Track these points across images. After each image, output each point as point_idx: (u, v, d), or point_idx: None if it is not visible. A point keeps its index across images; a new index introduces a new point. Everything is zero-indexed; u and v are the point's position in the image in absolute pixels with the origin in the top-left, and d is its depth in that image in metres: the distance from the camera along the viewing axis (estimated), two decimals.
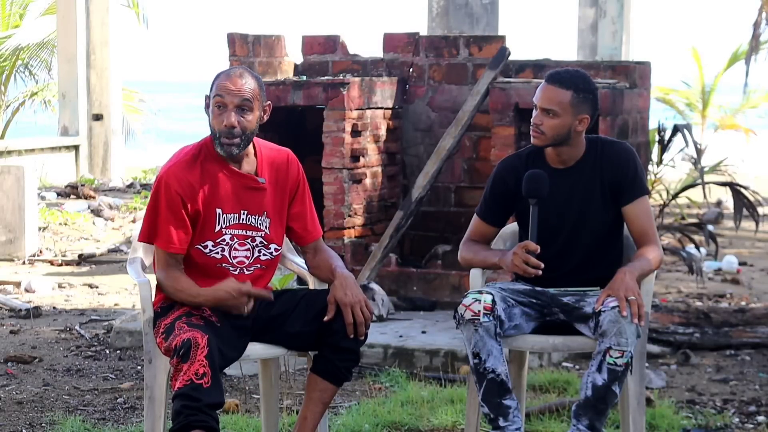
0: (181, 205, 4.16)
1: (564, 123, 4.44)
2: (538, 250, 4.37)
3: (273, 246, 4.31)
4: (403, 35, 8.40)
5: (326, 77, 8.16)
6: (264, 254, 4.30)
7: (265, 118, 4.27)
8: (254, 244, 4.27)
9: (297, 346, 4.34)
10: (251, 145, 4.26)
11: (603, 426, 4.31)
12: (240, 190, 4.23)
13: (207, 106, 4.23)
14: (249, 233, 4.25)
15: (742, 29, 17.80)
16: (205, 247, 4.22)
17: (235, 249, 4.24)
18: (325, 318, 4.21)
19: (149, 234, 4.24)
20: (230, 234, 4.23)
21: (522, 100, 7.50)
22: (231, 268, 4.25)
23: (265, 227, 4.28)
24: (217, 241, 4.23)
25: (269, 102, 4.30)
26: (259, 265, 4.30)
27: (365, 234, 8.02)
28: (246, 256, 4.27)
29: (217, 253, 4.23)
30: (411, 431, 5.36)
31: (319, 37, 8.56)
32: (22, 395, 5.89)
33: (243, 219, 4.24)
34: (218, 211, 4.21)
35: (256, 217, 4.26)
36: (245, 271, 4.27)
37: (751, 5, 14.29)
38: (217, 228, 4.22)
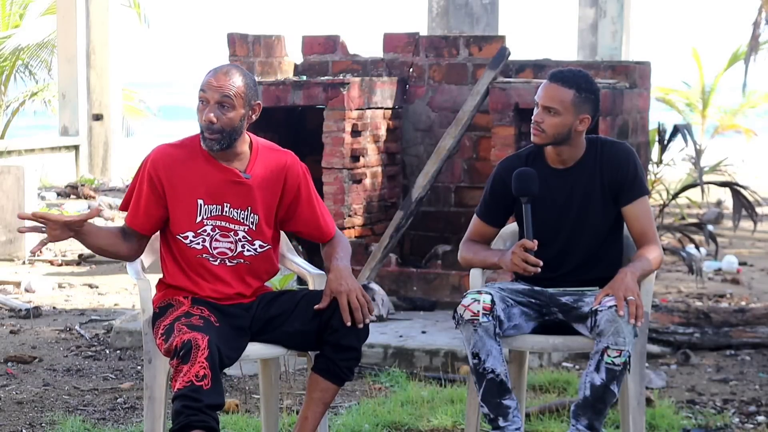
0: (155, 186, 4.25)
1: (565, 122, 4.44)
2: (536, 247, 4.38)
3: (258, 242, 4.31)
4: (403, 35, 8.39)
5: (326, 77, 8.15)
6: (248, 249, 4.30)
7: (254, 117, 4.26)
8: (237, 237, 4.27)
9: (297, 346, 4.34)
10: (247, 143, 4.28)
11: (602, 426, 4.31)
12: (222, 183, 4.25)
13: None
14: (231, 226, 4.26)
15: (742, 29, 17.78)
16: (186, 237, 4.25)
17: (216, 240, 4.26)
18: (316, 306, 4.21)
19: (124, 203, 4.42)
20: (211, 225, 4.25)
21: (522, 100, 7.50)
22: (211, 259, 4.26)
23: (251, 223, 4.28)
24: (198, 231, 4.25)
25: (259, 101, 4.28)
26: (242, 260, 4.30)
27: (365, 234, 8.01)
28: (229, 248, 4.27)
29: (198, 243, 4.25)
30: (411, 431, 5.36)
31: (319, 37, 8.56)
32: (22, 395, 5.89)
33: (226, 212, 4.25)
34: (199, 201, 4.24)
35: (239, 211, 4.26)
36: (227, 262, 4.28)
37: (751, 5, 14.30)
38: (198, 219, 4.24)
